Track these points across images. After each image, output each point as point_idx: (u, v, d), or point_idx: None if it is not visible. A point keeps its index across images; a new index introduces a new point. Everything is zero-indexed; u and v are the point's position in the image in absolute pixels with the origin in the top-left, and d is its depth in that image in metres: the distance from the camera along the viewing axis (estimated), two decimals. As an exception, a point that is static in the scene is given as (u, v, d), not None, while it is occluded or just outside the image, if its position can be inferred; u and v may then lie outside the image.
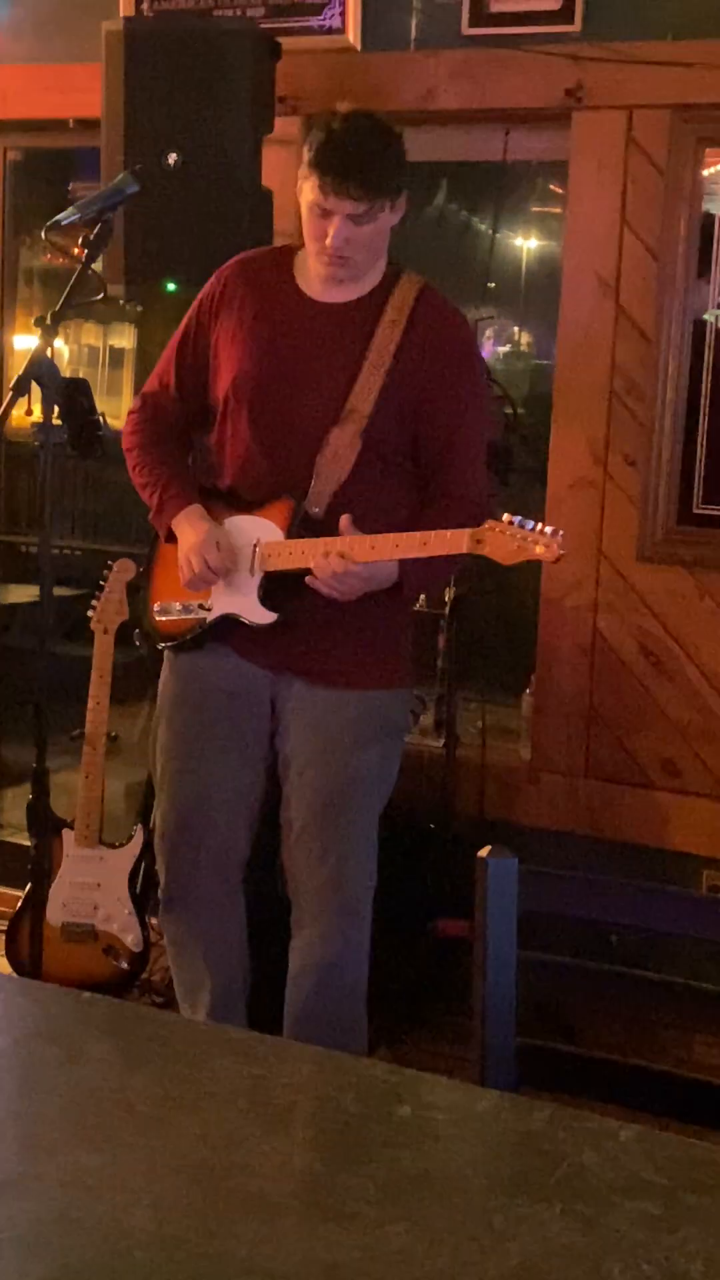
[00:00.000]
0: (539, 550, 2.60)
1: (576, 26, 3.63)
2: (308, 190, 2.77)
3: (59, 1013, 1.66)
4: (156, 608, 3.03)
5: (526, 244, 5.75)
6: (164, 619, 3.02)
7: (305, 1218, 1.32)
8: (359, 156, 2.74)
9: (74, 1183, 1.33)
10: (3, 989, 1.74)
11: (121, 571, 3.74)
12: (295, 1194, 1.36)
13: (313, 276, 2.91)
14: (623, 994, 2.83)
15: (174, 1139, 1.42)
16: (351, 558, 2.72)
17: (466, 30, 3.75)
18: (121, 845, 3.75)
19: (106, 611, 3.72)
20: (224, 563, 2.86)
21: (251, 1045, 1.60)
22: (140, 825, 3.76)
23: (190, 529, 2.90)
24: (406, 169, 2.84)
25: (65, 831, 3.73)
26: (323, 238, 2.78)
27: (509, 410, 4.01)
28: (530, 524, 2.60)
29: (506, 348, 5.80)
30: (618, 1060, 2.04)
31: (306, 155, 2.76)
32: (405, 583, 2.80)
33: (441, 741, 3.92)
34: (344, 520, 2.75)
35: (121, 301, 4.32)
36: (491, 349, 5.43)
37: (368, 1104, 1.52)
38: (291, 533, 2.84)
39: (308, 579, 2.77)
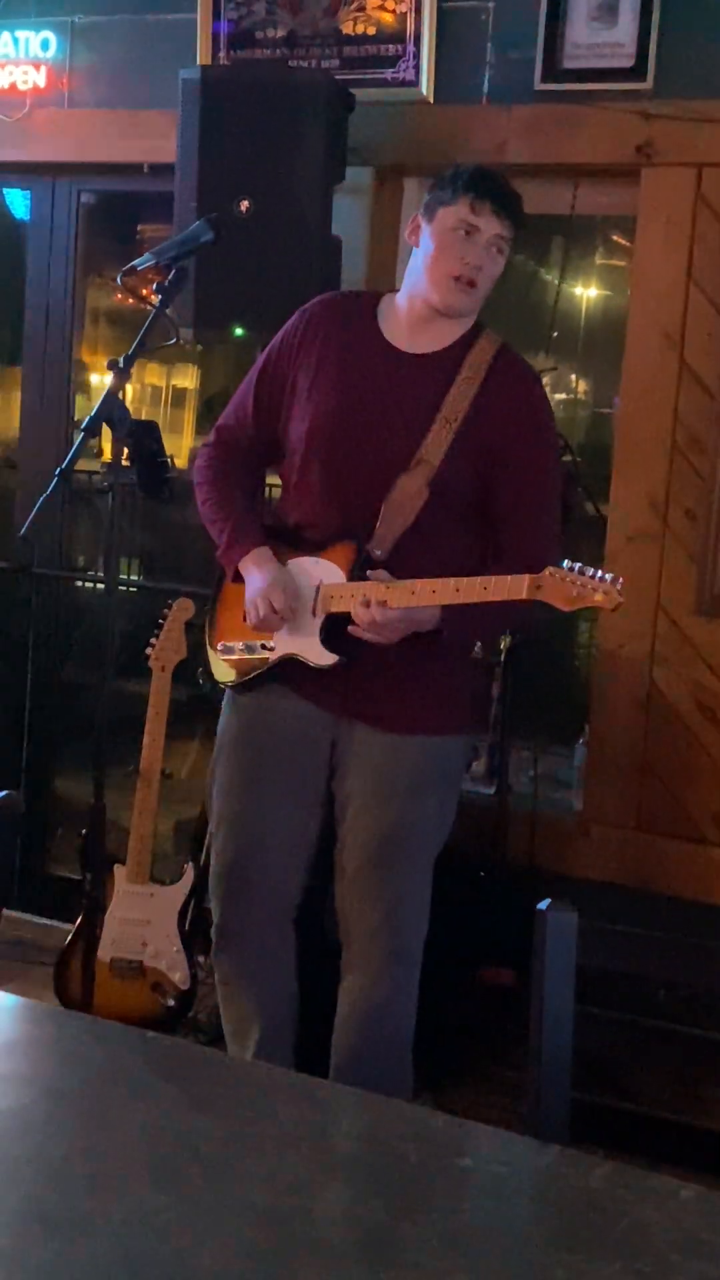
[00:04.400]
0: (598, 597, 2.61)
1: (649, 84, 3.66)
2: (451, 214, 2.84)
3: (124, 1052, 1.68)
4: (219, 646, 3.06)
5: (587, 293, 5.78)
6: (227, 658, 3.04)
7: (367, 1265, 1.33)
8: (510, 189, 2.89)
9: (139, 1222, 1.34)
10: (70, 1027, 1.76)
11: (181, 611, 3.77)
12: (358, 1242, 1.37)
13: (402, 323, 2.94)
14: (670, 1050, 2.83)
15: (238, 1182, 1.43)
16: (392, 603, 2.75)
17: (539, 85, 3.79)
18: (172, 882, 3.77)
19: (165, 650, 3.75)
20: (289, 607, 2.89)
21: (315, 1091, 1.61)
22: (190, 863, 3.78)
23: (257, 572, 2.92)
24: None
25: (116, 867, 3.75)
26: (460, 258, 2.84)
27: (569, 459, 4.03)
28: (591, 571, 2.62)
29: (564, 395, 5.82)
30: (671, 1118, 2.03)
31: (450, 185, 2.86)
32: (445, 627, 2.82)
33: (494, 789, 3.93)
34: (380, 573, 2.79)
35: (185, 342, 4.37)
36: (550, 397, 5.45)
37: (429, 1154, 1.53)
38: (354, 576, 2.86)
39: (350, 629, 2.80)
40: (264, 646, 2.97)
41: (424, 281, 2.89)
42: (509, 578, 2.69)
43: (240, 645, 3.01)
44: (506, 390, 2.91)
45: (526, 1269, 1.35)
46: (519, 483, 2.90)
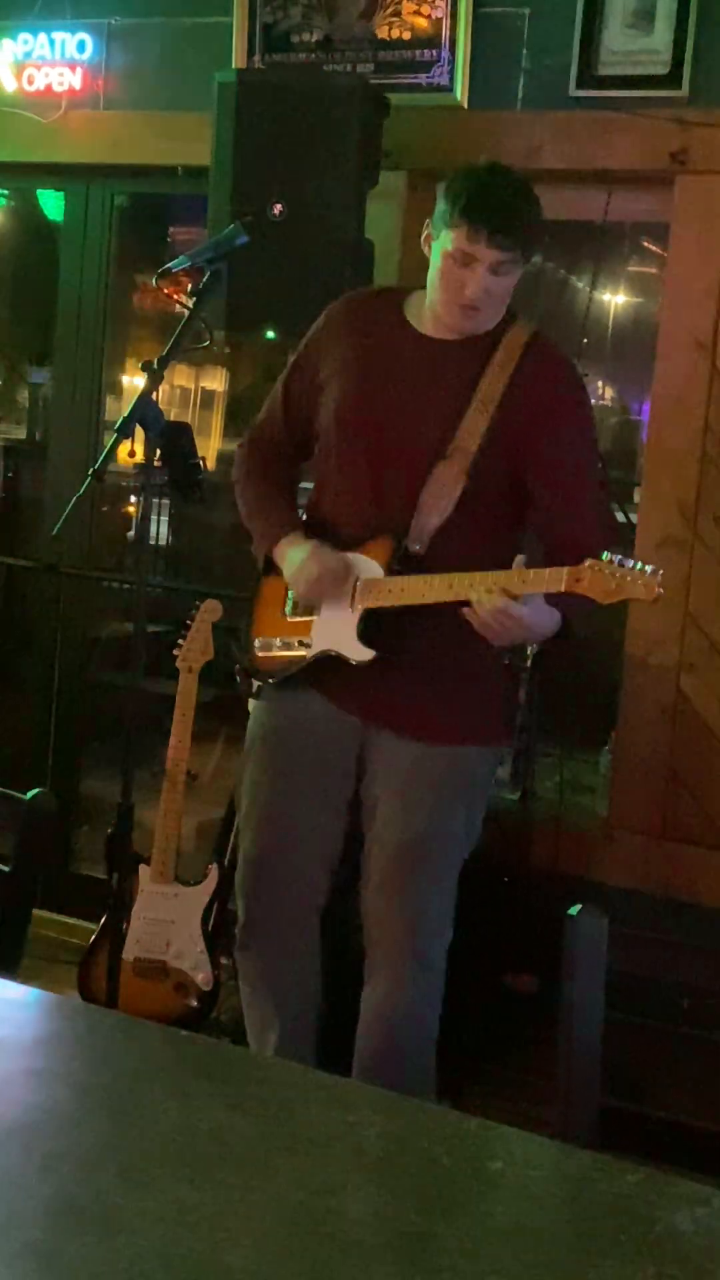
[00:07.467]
0: (638, 590, 2.58)
1: (684, 91, 3.66)
2: (450, 239, 2.77)
3: (157, 1050, 1.68)
4: (257, 643, 3.06)
5: (615, 300, 5.77)
6: (264, 654, 3.05)
7: (399, 1266, 1.33)
8: (511, 208, 2.79)
9: (173, 1219, 1.35)
10: (102, 1025, 1.77)
11: (208, 612, 3.78)
12: (389, 1243, 1.37)
13: (428, 317, 2.92)
14: (696, 1056, 2.81)
15: (271, 1181, 1.43)
16: (429, 598, 2.73)
17: (574, 91, 3.78)
18: (196, 883, 3.78)
19: (192, 651, 3.76)
20: (338, 570, 2.87)
21: (347, 1092, 1.61)
22: (215, 863, 3.79)
23: (295, 548, 2.93)
24: (544, 230, 2.90)
25: (141, 867, 3.76)
26: (460, 287, 2.79)
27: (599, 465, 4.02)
28: (630, 562, 2.58)
29: (592, 402, 5.81)
30: (699, 1124, 2.03)
31: (450, 204, 2.77)
32: (569, 628, 2.76)
33: (518, 795, 3.92)
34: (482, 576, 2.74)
35: (216, 345, 4.39)
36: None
37: (461, 1157, 1.53)
38: (391, 570, 2.85)
39: (464, 610, 2.69)
40: (301, 643, 2.97)
41: (433, 298, 2.87)
42: (547, 571, 2.65)
43: (277, 641, 3.01)
44: (542, 373, 2.87)
45: (558, 1273, 1.35)
46: (557, 469, 2.87)
